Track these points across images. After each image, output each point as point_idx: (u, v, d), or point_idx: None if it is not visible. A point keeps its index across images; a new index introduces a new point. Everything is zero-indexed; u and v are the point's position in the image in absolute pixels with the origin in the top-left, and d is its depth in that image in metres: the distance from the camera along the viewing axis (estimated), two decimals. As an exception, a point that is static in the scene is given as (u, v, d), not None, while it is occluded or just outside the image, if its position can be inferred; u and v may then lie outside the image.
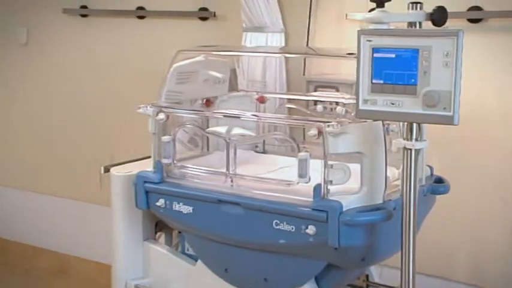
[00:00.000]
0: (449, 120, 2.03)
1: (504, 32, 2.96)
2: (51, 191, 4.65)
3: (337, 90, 3.09)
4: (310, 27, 3.44)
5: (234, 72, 3.20)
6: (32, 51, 4.68)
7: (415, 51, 2.06)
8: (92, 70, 4.39)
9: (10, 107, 4.86)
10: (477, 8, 2.98)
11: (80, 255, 4.49)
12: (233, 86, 3.15)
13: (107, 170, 2.95)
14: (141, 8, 4.15)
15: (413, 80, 2.07)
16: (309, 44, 3.44)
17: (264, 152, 3.04)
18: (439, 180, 2.70)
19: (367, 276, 2.85)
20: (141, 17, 4.17)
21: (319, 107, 2.90)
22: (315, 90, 3.23)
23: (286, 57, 3.39)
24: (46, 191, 4.70)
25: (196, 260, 2.77)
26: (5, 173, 4.91)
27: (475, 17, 2.98)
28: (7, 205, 4.95)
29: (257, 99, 3.03)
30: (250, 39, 3.45)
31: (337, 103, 2.80)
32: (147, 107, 2.76)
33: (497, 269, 3.16)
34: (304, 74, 3.40)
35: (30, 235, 4.83)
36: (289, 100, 3.06)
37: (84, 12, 4.39)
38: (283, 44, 3.46)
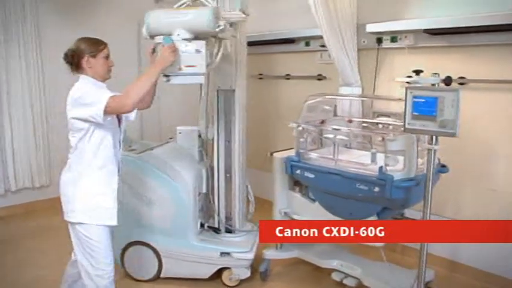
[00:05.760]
0: (453, 134, 2.00)
1: (477, 90, 2.86)
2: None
3: (389, 117, 3.00)
4: (375, 84, 3.36)
5: (335, 106, 3.18)
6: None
7: (436, 98, 2.02)
8: (265, 105, 4.40)
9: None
10: (463, 77, 2.88)
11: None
12: (335, 113, 3.14)
13: (271, 154, 2.99)
14: (288, 74, 4.16)
15: (434, 113, 2.03)
16: (374, 93, 3.37)
17: (350, 148, 2.99)
18: (443, 166, 2.62)
19: (402, 213, 2.77)
20: (287, 79, 4.18)
21: (380, 126, 2.84)
22: (378, 117, 3.15)
23: (362, 100, 3.32)
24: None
25: (314, 201, 2.77)
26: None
27: (462, 81, 2.88)
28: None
29: (347, 121, 2.99)
30: (344, 90, 3.40)
31: (389, 124, 2.73)
32: (292, 123, 2.79)
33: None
34: (371, 107, 3.32)
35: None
36: (363, 121, 2.99)
37: (260, 76, 4.44)
38: (360, 92, 3.39)
